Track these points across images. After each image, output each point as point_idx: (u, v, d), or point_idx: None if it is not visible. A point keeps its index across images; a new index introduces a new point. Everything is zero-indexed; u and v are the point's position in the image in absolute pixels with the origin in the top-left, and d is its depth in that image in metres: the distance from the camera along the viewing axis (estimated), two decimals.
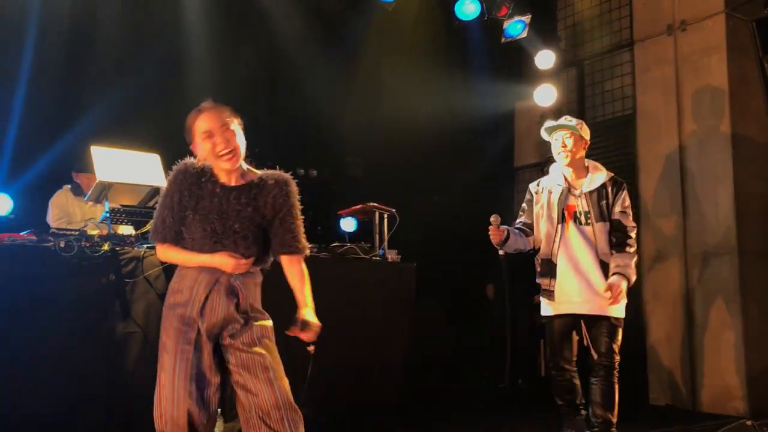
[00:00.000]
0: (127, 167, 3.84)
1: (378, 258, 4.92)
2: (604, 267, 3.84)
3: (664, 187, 6.12)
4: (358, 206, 5.19)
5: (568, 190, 3.97)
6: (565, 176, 4.02)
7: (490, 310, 7.05)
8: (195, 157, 2.74)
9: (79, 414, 3.53)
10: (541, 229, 3.99)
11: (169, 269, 3.71)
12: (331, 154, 7.11)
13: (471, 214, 7.48)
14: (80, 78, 5.95)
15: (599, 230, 3.89)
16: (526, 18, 6.70)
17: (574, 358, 3.96)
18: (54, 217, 4.88)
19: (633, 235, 3.90)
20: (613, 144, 6.71)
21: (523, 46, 7.29)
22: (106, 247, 3.59)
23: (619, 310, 3.86)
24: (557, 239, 3.91)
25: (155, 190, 3.88)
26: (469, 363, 7.20)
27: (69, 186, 5.08)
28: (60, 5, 5.68)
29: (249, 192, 2.71)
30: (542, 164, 7.19)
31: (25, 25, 5.59)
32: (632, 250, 3.86)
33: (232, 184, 2.71)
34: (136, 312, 3.72)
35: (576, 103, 7.14)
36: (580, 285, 3.84)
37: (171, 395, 2.53)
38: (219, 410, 3.76)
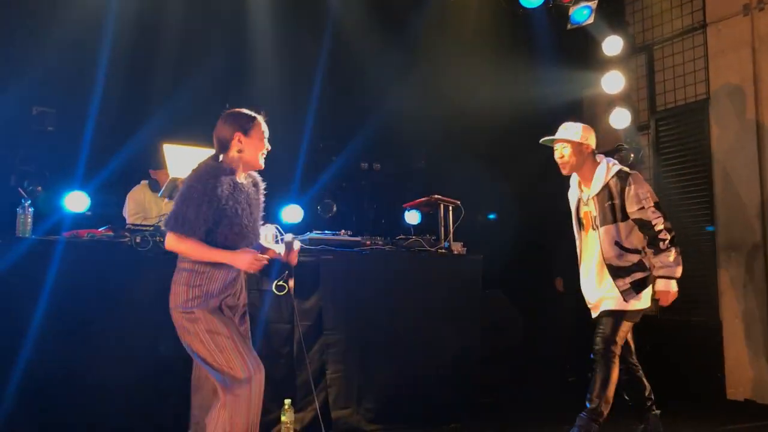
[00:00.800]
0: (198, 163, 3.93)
1: (443, 250, 4.91)
2: (611, 270, 3.84)
3: (739, 175, 5.90)
4: (422, 199, 5.18)
5: (579, 197, 4.02)
6: (577, 184, 4.08)
7: (560, 303, 6.95)
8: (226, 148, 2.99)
9: (153, 408, 3.64)
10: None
11: None
12: (394, 147, 7.11)
13: (537, 206, 7.42)
14: (151, 78, 6.14)
15: (604, 234, 3.85)
16: (593, 3, 6.54)
17: (630, 355, 3.99)
18: (131, 212, 5.03)
19: (662, 226, 3.78)
20: (686, 131, 6.51)
21: (590, 33, 7.13)
22: None
23: (617, 302, 3.83)
24: (580, 247, 4.05)
25: None
26: (539, 356, 7.14)
27: (147, 182, 5.22)
28: (129, 8, 5.88)
29: (255, 189, 3.09)
30: (611, 153, 7.04)
31: (101, 28, 5.81)
32: (666, 243, 3.76)
33: (243, 182, 3.00)
34: None
35: (646, 90, 6.94)
36: (588, 291, 3.99)
37: (248, 363, 2.84)
38: (290, 400, 3.85)
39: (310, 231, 4.59)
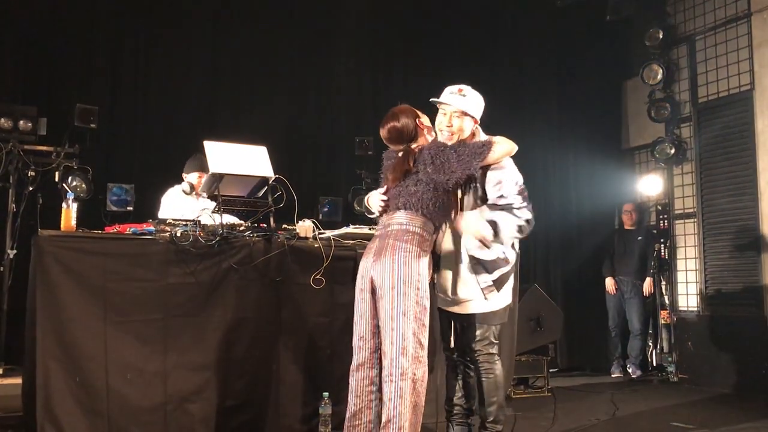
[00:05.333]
0: (238, 159, 3.98)
1: None
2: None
3: None
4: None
5: None
6: None
7: (605, 298, 6.89)
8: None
9: (191, 399, 3.69)
10: None
11: (282, 254, 3.84)
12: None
13: (581, 198, 7.35)
14: (192, 78, 6.25)
15: None
16: None
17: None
18: (162, 214, 5.00)
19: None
20: (729, 122, 6.37)
21: (631, 23, 7.03)
22: (218, 236, 3.74)
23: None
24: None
25: (264, 181, 4.01)
26: (579, 350, 7.09)
27: (181, 186, 5.18)
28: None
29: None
30: (653, 145, 6.93)
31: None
32: None
33: None
34: (248, 298, 3.86)
35: (687, 81, 6.81)
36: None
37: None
38: (328, 393, 3.86)
39: (347, 225, 4.60)
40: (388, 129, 3.37)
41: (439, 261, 3.47)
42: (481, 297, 3.38)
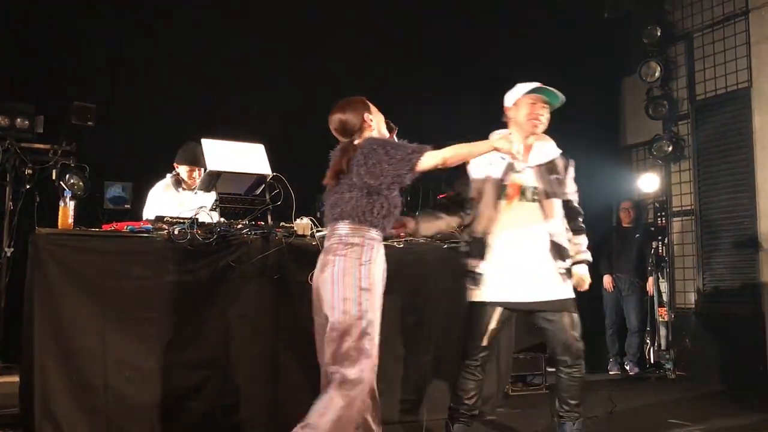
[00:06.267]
0: (235, 157, 3.97)
1: None
2: (554, 249, 3.50)
3: None
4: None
5: (510, 164, 3.58)
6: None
7: (603, 296, 6.90)
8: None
9: (189, 396, 3.69)
10: None
11: (280, 252, 3.83)
12: (430, 138, 7.08)
13: (579, 195, 7.35)
14: (189, 73, 6.23)
15: (554, 206, 3.55)
16: None
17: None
18: (146, 211, 4.90)
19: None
20: (727, 119, 6.38)
21: (629, 21, 7.02)
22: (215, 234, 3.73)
23: (568, 288, 3.54)
24: (493, 218, 3.57)
25: (262, 178, 4.00)
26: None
27: (170, 177, 5.09)
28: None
29: None
30: (651, 143, 6.93)
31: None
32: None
33: None
34: (246, 296, 3.86)
35: (685, 78, 6.81)
36: (516, 269, 3.52)
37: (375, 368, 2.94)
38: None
39: None
40: (332, 120, 3.19)
41: (491, 252, 3.43)
42: (562, 282, 3.40)
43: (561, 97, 3.61)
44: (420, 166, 2.94)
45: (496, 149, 3.11)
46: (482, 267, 3.45)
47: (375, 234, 2.96)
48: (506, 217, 3.44)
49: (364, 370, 2.86)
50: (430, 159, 2.96)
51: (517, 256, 3.40)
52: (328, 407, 2.81)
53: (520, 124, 3.60)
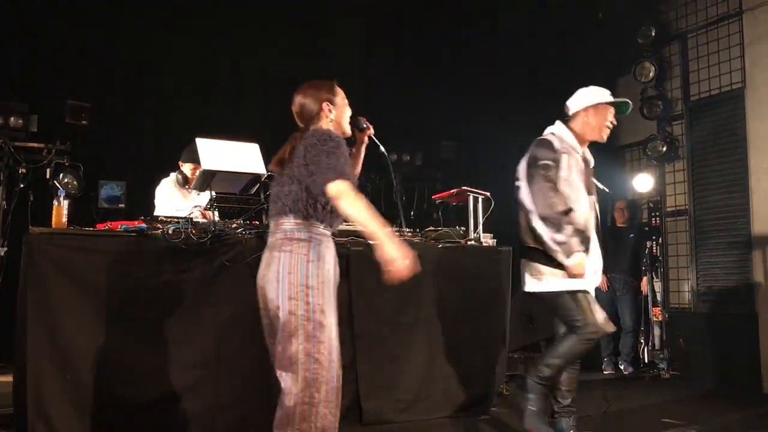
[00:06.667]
0: (230, 156, 3.97)
1: (473, 242, 4.89)
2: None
3: None
4: (452, 190, 5.16)
5: (585, 159, 3.81)
6: (579, 146, 3.82)
7: (597, 295, 6.90)
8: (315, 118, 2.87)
9: (183, 396, 3.68)
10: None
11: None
12: (425, 138, 7.10)
13: None
14: (187, 72, 6.22)
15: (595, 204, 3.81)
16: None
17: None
18: (157, 205, 5.03)
19: None
20: (721, 119, 6.40)
21: (623, 21, 7.04)
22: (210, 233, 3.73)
23: None
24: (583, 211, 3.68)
25: (256, 178, 4.00)
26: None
27: (174, 175, 5.21)
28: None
29: None
30: (645, 143, 6.95)
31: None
32: None
33: None
34: (241, 296, 3.84)
35: (680, 78, 6.83)
36: (594, 261, 3.71)
37: (336, 369, 2.68)
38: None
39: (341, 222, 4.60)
40: (293, 101, 2.94)
41: (588, 241, 3.59)
42: None
43: (630, 109, 3.85)
44: (329, 187, 2.60)
45: (383, 243, 2.60)
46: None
47: (323, 229, 2.75)
48: (590, 213, 3.66)
49: (317, 374, 2.61)
50: (339, 189, 2.60)
51: (594, 249, 3.65)
52: (284, 423, 2.62)
53: (591, 128, 3.74)
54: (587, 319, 3.51)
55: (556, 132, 3.76)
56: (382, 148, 3.18)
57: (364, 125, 3.10)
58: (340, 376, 2.71)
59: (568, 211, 3.50)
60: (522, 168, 3.73)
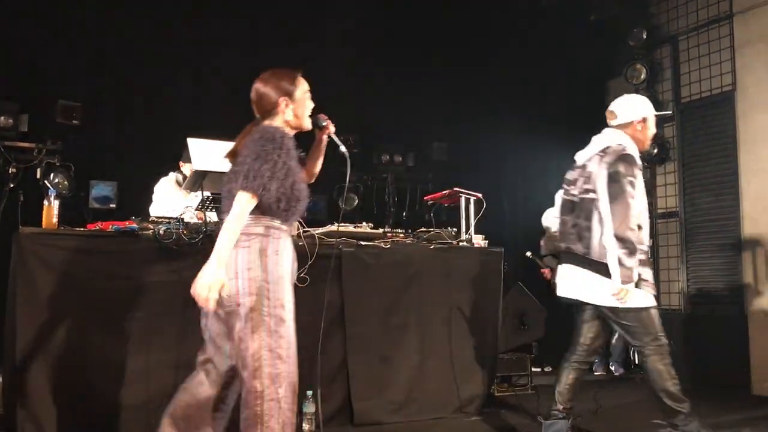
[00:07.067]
0: (221, 156, 3.95)
1: (464, 243, 4.90)
2: None
3: (766, 167, 5.82)
4: (444, 192, 5.17)
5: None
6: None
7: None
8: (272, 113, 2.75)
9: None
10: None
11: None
12: (417, 140, 7.11)
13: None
14: (177, 71, 6.21)
15: None
16: None
17: None
18: (155, 204, 5.02)
19: None
20: (711, 122, 6.43)
21: (615, 23, 7.07)
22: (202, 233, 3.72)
23: None
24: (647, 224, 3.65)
25: None
26: (563, 348, 7.11)
27: (174, 175, 5.16)
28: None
29: None
30: None
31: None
32: None
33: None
34: None
35: (671, 81, 6.86)
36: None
37: (294, 364, 2.62)
38: (312, 392, 3.85)
39: (332, 223, 4.60)
40: (252, 89, 2.79)
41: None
42: None
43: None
44: (238, 193, 2.53)
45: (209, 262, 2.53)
46: (649, 275, 3.62)
47: (279, 224, 2.66)
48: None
49: (279, 369, 2.56)
50: (240, 200, 2.53)
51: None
52: (262, 423, 2.54)
53: (640, 140, 3.70)
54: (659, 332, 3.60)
55: (624, 143, 3.64)
56: (343, 148, 3.02)
57: (323, 123, 2.95)
58: (296, 372, 2.66)
59: (639, 228, 3.50)
60: (594, 176, 3.62)
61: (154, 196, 4.98)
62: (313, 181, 3.04)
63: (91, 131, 5.76)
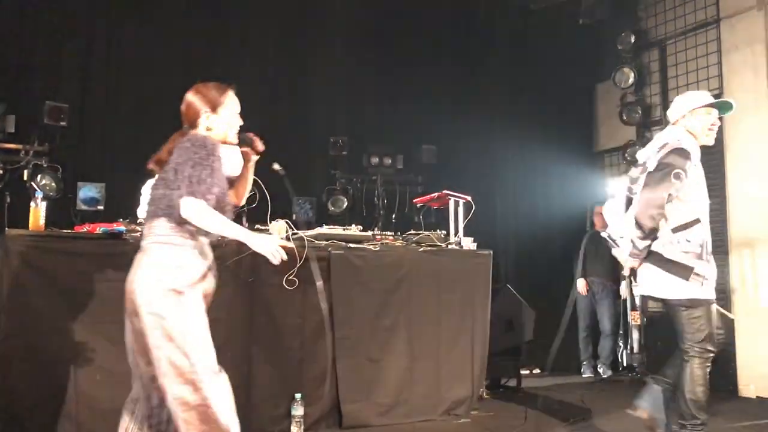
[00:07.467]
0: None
1: (453, 246, 4.91)
2: None
3: (752, 171, 5.87)
4: (433, 195, 5.18)
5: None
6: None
7: (575, 299, 6.96)
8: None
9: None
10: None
11: (255, 254, 3.81)
12: (406, 142, 7.10)
13: (553, 199, 7.42)
14: (165, 72, 6.17)
15: None
16: None
17: None
18: (144, 205, 5.00)
19: None
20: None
21: (603, 27, 7.11)
22: None
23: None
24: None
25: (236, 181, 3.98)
26: (551, 350, 7.14)
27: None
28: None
29: None
30: (624, 148, 7.02)
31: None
32: None
33: None
34: (220, 299, 3.81)
35: (659, 84, 6.90)
36: (714, 271, 3.71)
37: (213, 368, 2.61)
38: (300, 394, 3.84)
39: (321, 226, 4.59)
40: (183, 99, 2.86)
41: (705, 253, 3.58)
42: None
43: (733, 107, 3.77)
44: (181, 203, 2.55)
45: (250, 243, 2.66)
46: (708, 271, 3.60)
47: (196, 234, 2.67)
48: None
49: (197, 374, 2.54)
50: (188, 207, 2.55)
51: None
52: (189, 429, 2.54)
53: (696, 133, 3.69)
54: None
55: (681, 137, 3.66)
56: (276, 166, 3.09)
57: (250, 142, 2.96)
58: (224, 375, 2.66)
59: (694, 222, 3.56)
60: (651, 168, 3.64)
61: (142, 198, 4.94)
62: (241, 204, 3.08)
63: (78, 133, 5.72)
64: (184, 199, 2.54)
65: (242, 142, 2.93)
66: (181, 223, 2.60)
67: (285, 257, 2.61)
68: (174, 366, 2.52)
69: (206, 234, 2.71)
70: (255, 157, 3.01)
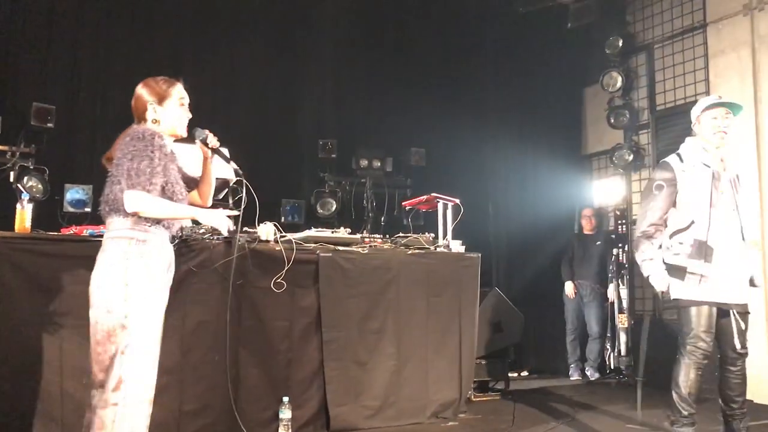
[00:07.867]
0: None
1: (442, 249, 4.91)
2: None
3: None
4: (422, 197, 5.19)
5: (715, 172, 3.74)
6: (714, 158, 3.77)
7: (563, 301, 6.98)
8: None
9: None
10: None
11: (243, 257, 3.81)
12: (395, 145, 7.11)
13: (541, 202, 7.44)
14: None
15: (746, 220, 3.82)
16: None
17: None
18: None
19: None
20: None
21: (591, 31, 7.14)
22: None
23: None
24: (708, 223, 3.69)
25: (225, 183, 3.98)
26: (539, 353, 7.16)
27: None
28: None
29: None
30: (612, 151, 7.06)
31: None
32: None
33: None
34: (208, 302, 3.82)
35: (646, 88, 6.95)
36: (726, 276, 3.65)
37: (151, 369, 2.73)
38: (288, 397, 3.83)
39: (309, 228, 4.59)
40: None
41: (713, 256, 3.58)
42: (747, 287, 3.73)
43: (741, 106, 3.84)
44: (124, 198, 2.60)
45: (205, 219, 2.82)
46: (705, 269, 3.60)
47: (154, 230, 2.69)
48: (722, 225, 3.65)
49: (131, 373, 2.61)
50: (130, 200, 2.59)
51: (731, 262, 3.61)
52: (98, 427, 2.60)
53: (707, 139, 3.77)
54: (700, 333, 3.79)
55: (682, 147, 3.86)
56: (233, 164, 3.05)
57: (203, 136, 2.96)
58: (154, 375, 2.75)
59: (688, 225, 3.66)
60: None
61: None
62: (208, 205, 3.07)
63: (65, 134, 5.70)
64: (126, 193, 2.59)
65: (192, 136, 2.94)
66: (137, 221, 2.65)
67: (233, 227, 2.75)
68: (113, 362, 2.60)
69: (167, 227, 2.76)
70: (210, 153, 3.03)
